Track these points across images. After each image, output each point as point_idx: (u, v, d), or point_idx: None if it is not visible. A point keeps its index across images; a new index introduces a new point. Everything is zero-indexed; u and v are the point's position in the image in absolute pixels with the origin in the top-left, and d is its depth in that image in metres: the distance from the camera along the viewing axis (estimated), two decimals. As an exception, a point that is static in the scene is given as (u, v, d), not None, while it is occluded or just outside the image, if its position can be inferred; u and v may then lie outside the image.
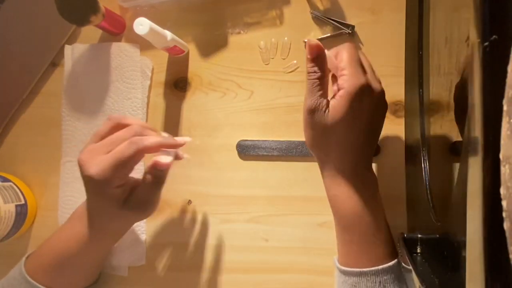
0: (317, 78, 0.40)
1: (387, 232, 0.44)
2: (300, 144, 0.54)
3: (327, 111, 0.40)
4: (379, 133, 0.45)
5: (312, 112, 0.41)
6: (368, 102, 0.41)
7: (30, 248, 0.59)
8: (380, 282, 0.41)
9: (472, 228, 0.25)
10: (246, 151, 0.55)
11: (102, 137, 0.44)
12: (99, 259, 0.51)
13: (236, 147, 0.55)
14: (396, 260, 0.42)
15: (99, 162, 0.41)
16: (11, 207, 0.53)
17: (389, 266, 0.41)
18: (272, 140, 0.54)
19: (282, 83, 0.55)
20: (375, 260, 0.42)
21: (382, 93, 0.42)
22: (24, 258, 0.48)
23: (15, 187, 0.56)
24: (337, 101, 0.40)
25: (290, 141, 0.54)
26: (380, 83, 0.43)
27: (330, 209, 0.54)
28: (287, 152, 0.54)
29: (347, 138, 0.41)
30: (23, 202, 0.56)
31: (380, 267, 0.41)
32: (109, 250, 0.51)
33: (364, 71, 0.41)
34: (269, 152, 0.54)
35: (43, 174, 0.59)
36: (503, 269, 0.23)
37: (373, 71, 0.43)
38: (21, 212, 0.55)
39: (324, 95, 0.41)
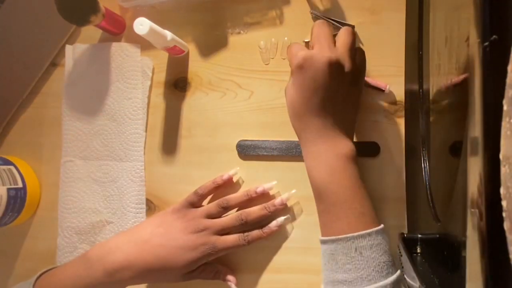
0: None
1: (363, 202, 0.44)
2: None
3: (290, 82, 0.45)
4: (350, 105, 0.46)
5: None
6: (325, 75, 0.43)
7: (28, 248, 0.59)
8: (356, 248, 0.41)
9: (472, 228, 0.25)
10: (246, 151, 0.55)
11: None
12: None
13: (236, 147, 0.55)
14: (375, 229, 0.42)
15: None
16: (1, 190, 0.53)
17: (365, 233, 0.41)
18: (272, 140, 0.54)
19: (282, 83, 0.55)
20: (350, 228, 0.42)
21: (351, 70, 0.44)
22: (35, 278, 0.48)
23: (14, 170, 0.55)
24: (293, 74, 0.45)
25: (290, 141, 0.54)
26: (353, 62, 0.45)
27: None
28: (287, 152, 0.54)
29: (303, 107, 0.44)
30: (20, 186, 0.55)
31: (356, 233, 0.41)
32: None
33: (333, 47, 0.44)
34: (269, 152, 0.54)
35: (43, 174, 0.59)
36: (503, 269, 0.23)
37: (349, 50, 0.44)
38: (17, 196, 0.55)
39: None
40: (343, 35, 0.45)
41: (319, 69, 0.42)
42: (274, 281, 0.54)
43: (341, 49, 0.44)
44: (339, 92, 0.44)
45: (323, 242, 0.44)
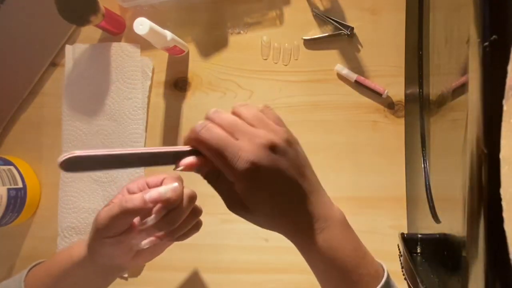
0: None
1: (368, 260, 0.41)
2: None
3: None
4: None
5: None
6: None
7: (28, 248, 0.59)
8: None
9: (472, 228, 0.25)
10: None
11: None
12: (95, 282, 0.46)
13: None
14: (384, 279, 0.39)
15: None
16: (1, 190, 0.53)
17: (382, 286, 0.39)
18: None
19: (282, 83, 0.55)
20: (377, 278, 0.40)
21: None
22: (27, 269, 0.48)
23: (14, 170, 0.56)
24: None
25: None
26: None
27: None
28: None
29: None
30: (20, 186, 0.55)
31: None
32: (106, 276, 0.47)
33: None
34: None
35: (43, 174, 0.59)
36: (503, 269, 0.23)
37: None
38: (17, 196, 0.55)
39: None
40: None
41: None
42: (274, 281, 0.54)
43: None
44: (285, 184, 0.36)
45: None
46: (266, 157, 0.33)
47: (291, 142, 0.36)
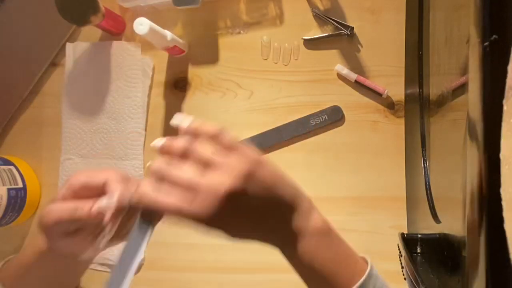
0: None
1: (349, 261, 0.41)
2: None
3: None
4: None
5: None
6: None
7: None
8: None
9: (472, 228, 0.25)
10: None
11: None
12: (60, 275, 0.44)
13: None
14: (365, 275, 0.40)
15: None
16: (1, 190, 0.53)
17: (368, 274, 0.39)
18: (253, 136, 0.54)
19: (282, 83, 0.55)
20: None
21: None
22: (2, 262, 0.47)
23: (14, 170, 0.56)
24: None
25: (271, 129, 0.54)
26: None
27: (330, 209, 0.53)
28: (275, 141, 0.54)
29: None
30: (20, 186, 0.55)
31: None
32: (73, 269, 0.44)
33: None
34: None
35: (43, 174, 0.59)
36: (503, 269, 0.23)
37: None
38: (17, 196, 0.55)
39: None
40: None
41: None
42: (274, 281, 0.54)
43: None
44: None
45: None
46: (237, 188, 0.33)
47: (258, 164, 0.35)
